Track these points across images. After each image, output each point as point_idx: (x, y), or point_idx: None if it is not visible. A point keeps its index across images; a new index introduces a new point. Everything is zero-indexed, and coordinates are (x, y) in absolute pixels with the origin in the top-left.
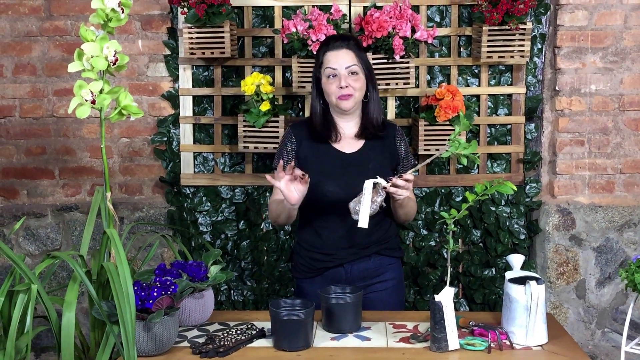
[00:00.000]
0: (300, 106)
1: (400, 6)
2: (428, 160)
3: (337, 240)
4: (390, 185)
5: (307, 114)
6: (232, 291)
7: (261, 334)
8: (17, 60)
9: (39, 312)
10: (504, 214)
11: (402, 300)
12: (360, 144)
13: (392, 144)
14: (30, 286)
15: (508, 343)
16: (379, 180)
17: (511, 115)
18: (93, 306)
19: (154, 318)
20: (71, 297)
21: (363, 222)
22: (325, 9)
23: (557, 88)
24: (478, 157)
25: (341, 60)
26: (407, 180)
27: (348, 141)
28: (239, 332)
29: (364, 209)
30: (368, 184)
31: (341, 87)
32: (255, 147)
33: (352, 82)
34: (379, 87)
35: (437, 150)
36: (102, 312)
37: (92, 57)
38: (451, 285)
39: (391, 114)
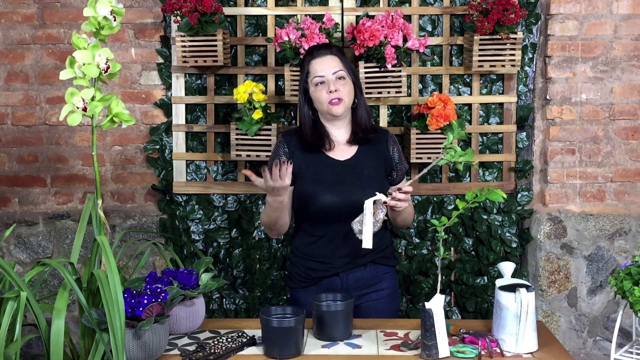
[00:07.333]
0: (292, 114)
1: (392, 15)
2: (425, 171)
3: (333, 249)
4: (391, 200)
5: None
6: (224, 299)
7: (252, 342)
8: (10, 68)
9: (28, 320)
10: (496, 222)
11: (397, 309)
12: (353, 150)
13: (384, 150)
14: (19, 293)
15: (498, 351)
16: (379, 196)
17: (502, 124)
18: (83, 314)
19: (144, 326)
20: (61, 305)
21: (367, 243)
22: (318, 18)
23: (548, 97)
24: (475, 163)
25: (327, 66)
26: (406, 192)
27: (341, 148)
28: (229, 339)
29: (367, 229)
30: (368, 204)
31: (330, 92)
32: (248, 155)
33: (340, 86)
34: (371, 95)
35: (429, 158)
36: (92, 319)
37: (83, 64)
38: (443, 293)
39: (383, 122)
